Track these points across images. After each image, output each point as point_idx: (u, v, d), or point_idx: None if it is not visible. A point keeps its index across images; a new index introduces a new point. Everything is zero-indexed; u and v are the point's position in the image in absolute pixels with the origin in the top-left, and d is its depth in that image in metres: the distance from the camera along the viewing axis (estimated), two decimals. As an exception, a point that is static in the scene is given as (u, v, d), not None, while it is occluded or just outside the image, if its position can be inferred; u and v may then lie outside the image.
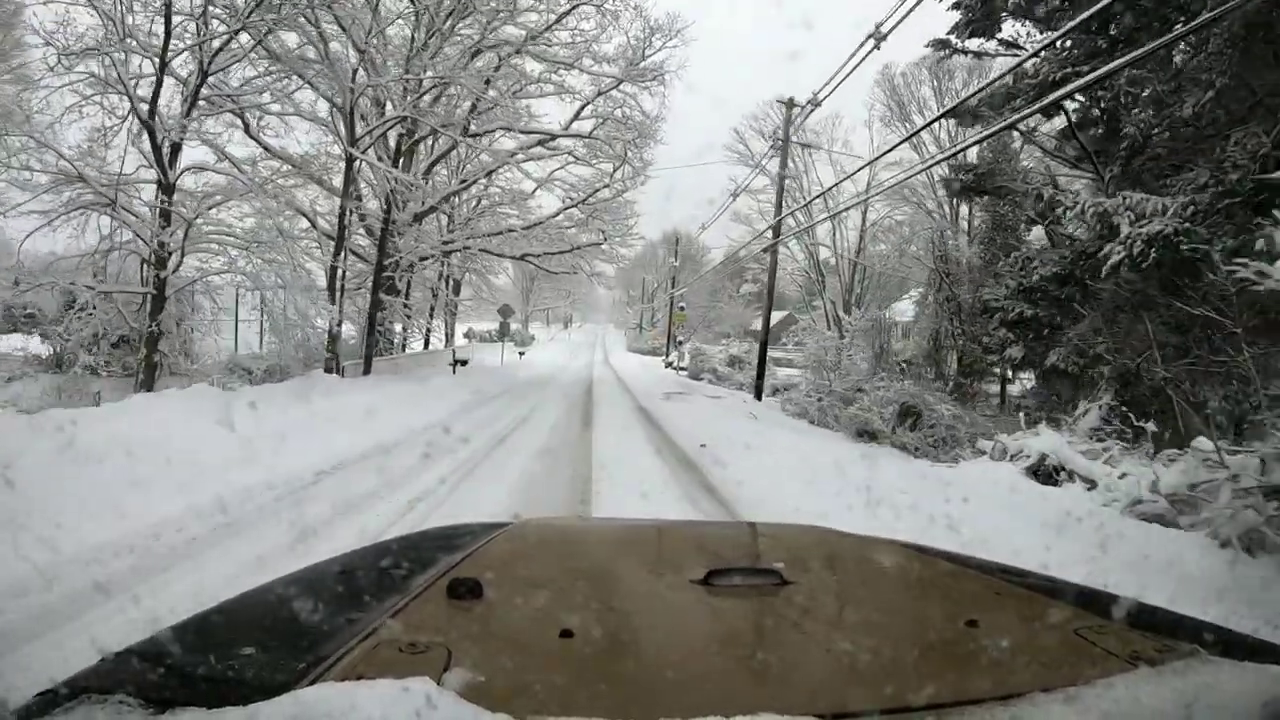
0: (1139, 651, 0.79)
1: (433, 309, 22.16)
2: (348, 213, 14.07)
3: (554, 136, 17.04)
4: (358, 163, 13.68)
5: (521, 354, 29.60)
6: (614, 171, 18.14)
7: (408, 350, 20.87)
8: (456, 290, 25.51)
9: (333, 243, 14.29)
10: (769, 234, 28.36)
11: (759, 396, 14.36)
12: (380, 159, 14.87)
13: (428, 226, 21.38)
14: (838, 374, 22.20)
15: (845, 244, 33.61)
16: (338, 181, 14.55)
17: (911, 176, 17.68)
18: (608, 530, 1.97)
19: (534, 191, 20.30)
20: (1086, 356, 10.22)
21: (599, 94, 18.03)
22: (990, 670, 0.80)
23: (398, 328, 19.87)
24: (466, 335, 28.62)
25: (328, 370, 13.81)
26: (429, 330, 22.45)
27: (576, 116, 18.27)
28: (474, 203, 21.88)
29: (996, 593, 1.15)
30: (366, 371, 14.40)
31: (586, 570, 1.32)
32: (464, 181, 18.64)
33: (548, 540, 1.62)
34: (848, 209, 17.63)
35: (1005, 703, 0.64)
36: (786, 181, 35.54)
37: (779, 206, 15.25)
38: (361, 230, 18.28)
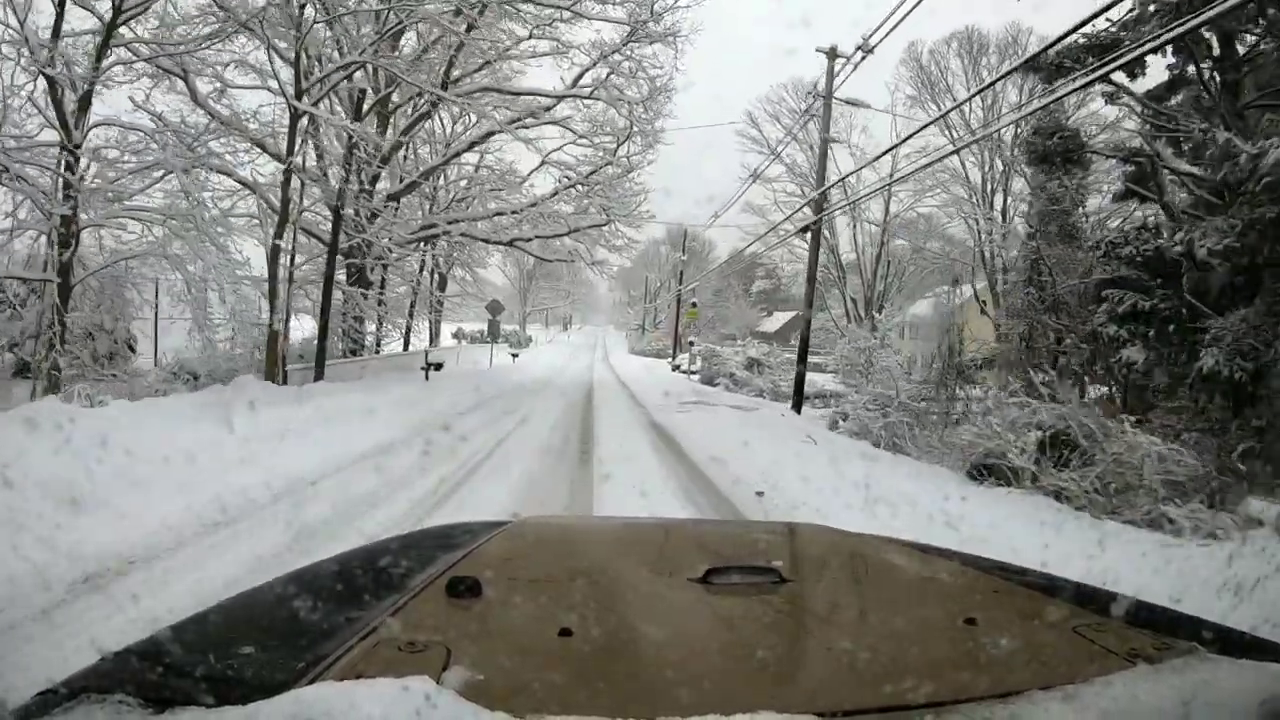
0: (1137, 649, 0.78)
1: (413, 305, 19.51)
2: (294, 180, 11.45)
3: (557, 98, 14.44)
4: (306, 120, 11.05)
5: (515, 356, 26.87)
6: (619, 146, 15.51)
7: (383, 351, 18.22)
8: (442, 285, 22.89)
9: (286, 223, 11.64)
10: (787, 226, 25.85)
11: (798, 409, 11.73)
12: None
13: (409, 212, 18.81)
14: (871, 378, 19.61)
15: (866, 236, 31.05)
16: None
17: (975, 142, 15.16)
18: (606, 529, 1.95)
19: (529, 175, 17.73)
20: (1255, 359, 7.65)
21: (602, 56, 15.47)
22: (989, 668, 0.79)
23: (371, 326, 17.23)
24: (456, 335, 26.05)
25: (269, 378, 11.20)
26: (409, 329, 19.76)
27: (576, 82, 15.72)
28: (463, 183, 19.26)
29: (995, 590, 1.13)
30: (319, 377, 11.77)
31: (585, 569, 1.28)
32: (446, 157, 15.99)
33: (547, 539, 1.59)
34: (886, 186, 15.06)
35: (1004, 700, 0.63)
36: (797, 169, 33.20)
37: (821, 176, 12.61)
38: (327, 211, 15.61)
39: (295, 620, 0.90)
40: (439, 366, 14.09)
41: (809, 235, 13.65)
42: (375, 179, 15.00)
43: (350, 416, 8.00)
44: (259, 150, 12.47)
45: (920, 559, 1.32)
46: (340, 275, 16.42)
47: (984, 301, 35.48)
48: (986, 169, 26.98)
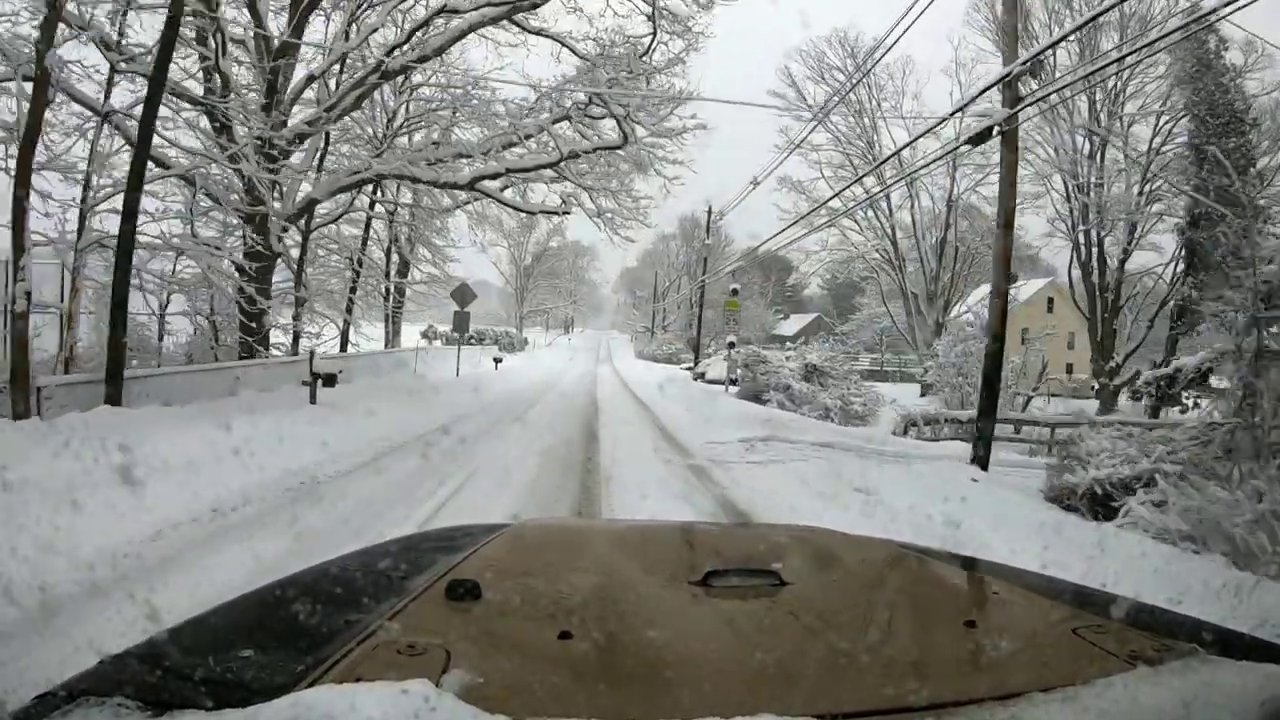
0: (1137, 651, 0.78)
1: (353, 291, 14.36)
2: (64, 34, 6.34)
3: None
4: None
5: (498, 362, 21.64)
6: (648, 48, 10.37)
7: (307, 352, 13.04)
8: (403, 270, 17.79)
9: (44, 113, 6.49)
10: (828, 208, 20.82)
11: (984, 462, 6.34)
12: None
13: (348, 162, 13.72)
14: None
15: (929, 217, 25.90)
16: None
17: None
18: (607, 531, 1.93)
19: (520, 124, 12.64)
20: None
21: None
22: (989, 670, 0.78)
23: (280, 319, 12.07)
24: (426, 335, 21.04)
25: (15, 399, 6.09)
26: (348, 325, 14.58)
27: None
28: (436, 133, 14.19)
29: (995, 593, 1.12)
30: (112, 398, 6.58)
31: (585, 571, 1.25)
32: (389, 57, 10.82)
33: (546, 541, 1.57)
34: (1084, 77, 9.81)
35: (1004, 702, 0.62)
36: (849, 145, 28.18)
37: (1014, 40, 7.11)
38: (194, 132, 10.44)
39: (295, 623, 0.88)
40: (332, 380, 8.89)
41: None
42: (275, 74, 9.87)
43: None
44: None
45: (920, 561, 1.31)
46: (237, 246, 11.37)
47: (1051, 297, 30.52)
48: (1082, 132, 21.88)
